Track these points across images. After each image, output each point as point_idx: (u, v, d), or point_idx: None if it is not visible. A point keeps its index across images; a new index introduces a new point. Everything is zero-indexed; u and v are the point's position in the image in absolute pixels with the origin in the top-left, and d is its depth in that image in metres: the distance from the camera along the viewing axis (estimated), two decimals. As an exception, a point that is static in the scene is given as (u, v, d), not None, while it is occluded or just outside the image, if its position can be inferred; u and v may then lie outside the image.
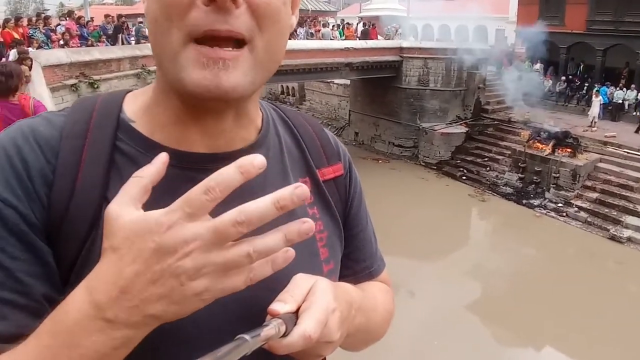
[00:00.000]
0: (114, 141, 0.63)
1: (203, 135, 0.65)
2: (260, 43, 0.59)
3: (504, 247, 14.07)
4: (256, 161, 0.49)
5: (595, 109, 18.40)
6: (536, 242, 14.06)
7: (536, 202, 16.05)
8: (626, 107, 19.55)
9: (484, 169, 18.40)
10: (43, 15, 14.43)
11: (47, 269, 0.58)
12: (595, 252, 13.09)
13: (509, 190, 16.99)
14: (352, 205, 0.83)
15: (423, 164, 20.16)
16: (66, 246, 0.59)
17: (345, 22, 24.76)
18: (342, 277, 0.80)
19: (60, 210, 0.59)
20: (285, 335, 0.55)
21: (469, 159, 19.22)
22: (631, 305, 10.52)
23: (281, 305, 0.57)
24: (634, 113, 19.08)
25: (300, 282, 0.61)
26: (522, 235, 14.54)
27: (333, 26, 22.77)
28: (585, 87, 21.21)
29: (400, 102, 20.89)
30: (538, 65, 22.71)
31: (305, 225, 0.52)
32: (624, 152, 16.18)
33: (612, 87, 19.76)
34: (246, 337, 0.49)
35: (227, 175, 0.48)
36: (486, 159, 18.79)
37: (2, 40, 10.95)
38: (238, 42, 0.57)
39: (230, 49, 0.56)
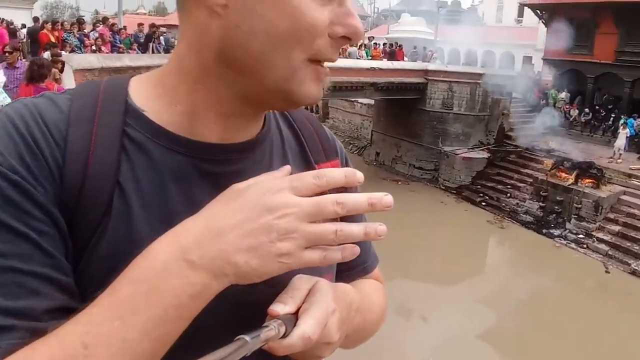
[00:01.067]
0: (123, 127, 0.62)
1: (220, 127, 0.65)
2: None
3: (521, 276, 13.82)
4: (359, 174, 0.58)
5: (621, 140, 18.13)
6: (554, 272, 13.79)
7: (556, 232, 15.77)
8: (653, 139, 19.18)
9: (504, 196, 18.17)
10: (79, 20, 14.77)
11: (67, 247, 0.56)
12: (614, 286, 12.78)
13: (529, 218, 16.75)
14: None
15: (443, 187, 20.00)
16: (77, 234, 0.57)
17: (372, 42, 24.81)
18: (338, 273, 0.80)
19: (73, 196, 0.57)
20: (284, 336, 0.55)
21: (489, 184, 19.00)
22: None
23: (281, 306, 0.58)
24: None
25: (300, 283, 0.62)
26: (540, 265, 14.26)
27: (360, 45, 22.83)
28: (611, 118, 20.92)
29: (423, 124, 20.78)
30: (564, 94, 22.50)
31: (382, 227, 0.58)
32: (649, 185, 15.83)
33: (639, 119, 19.47)
34: (246, 338, 0.50)
35: (335, 174, 0.57)
36: (507, 186, 18.56)
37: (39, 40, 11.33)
38: None
39: None
